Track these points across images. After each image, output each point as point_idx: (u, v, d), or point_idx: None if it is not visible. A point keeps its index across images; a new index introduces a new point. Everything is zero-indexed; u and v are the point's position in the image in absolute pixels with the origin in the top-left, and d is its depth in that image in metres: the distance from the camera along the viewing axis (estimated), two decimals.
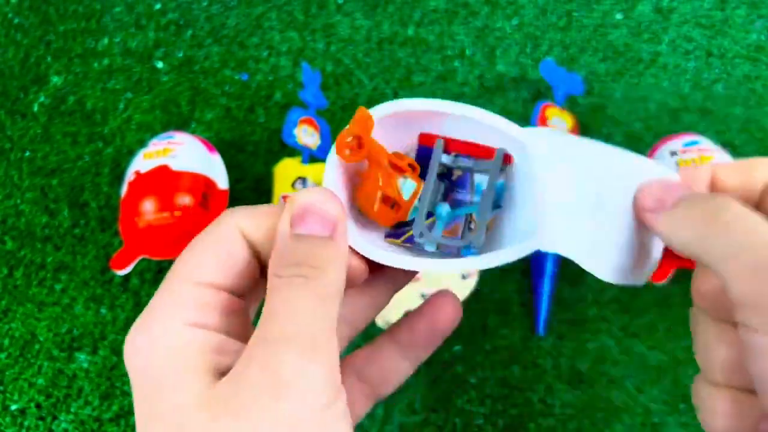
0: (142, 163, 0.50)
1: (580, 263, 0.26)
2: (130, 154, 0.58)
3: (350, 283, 0.23)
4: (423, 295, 0.45)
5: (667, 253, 0.51)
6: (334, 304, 0.20)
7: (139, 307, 0.51)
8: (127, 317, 0.51)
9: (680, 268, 0.49)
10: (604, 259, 0.26)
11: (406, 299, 0.46)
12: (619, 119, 0.56)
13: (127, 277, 0.52)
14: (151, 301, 0.21)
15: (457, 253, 0.28)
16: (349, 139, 0.27)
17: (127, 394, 0.48)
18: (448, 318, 0.27)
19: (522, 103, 0.57)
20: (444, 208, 0.29)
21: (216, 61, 0.62)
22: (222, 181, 0.51)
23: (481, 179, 0.29)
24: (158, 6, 0.65)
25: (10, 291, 0.53)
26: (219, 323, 0.21)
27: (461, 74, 0.59)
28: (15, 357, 0.51)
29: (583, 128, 0.56)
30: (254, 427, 0.18)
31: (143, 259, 0.53)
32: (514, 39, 0.61)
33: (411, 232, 0.29)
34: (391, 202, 0.28)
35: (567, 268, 0.50)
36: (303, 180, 0.51)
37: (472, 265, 0.27)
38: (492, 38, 0.61)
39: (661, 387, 0.46)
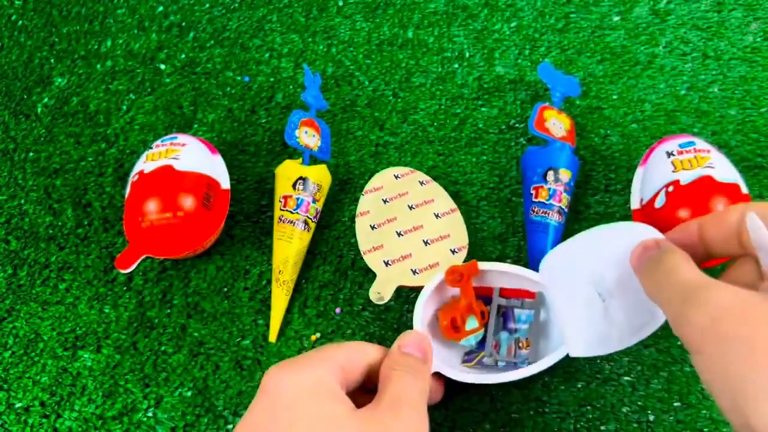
0: (146, 164, 0.51)
1: (599, 354, 0.40)
2: (133, 154, 0.58)
3: (431, 399, 0.37)
4: (413, 271, 0.46)
5: None
6: (426, 393, 0.35)
7: (142, 306, 0.52)
8: (130, 316, 0.52)
9: None
10: (612, 339, 0.39)
11: (399, 275, 0.47)
12: (616, 120, 0.57)
13: (130, 276, 0.53)
14: (306, 358, 0.33)
15: (515, 366, 0.44)
16: (458, 274, 0.45)
17: (131, 392, 0.49)
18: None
19: (520, 105, 0.58)
20: (504, 335, 0.46)
21: (218, 63, 0.62)
22: (224, 182, 0.52)
23: (519, 312, 0.46)
24: (161, 8, 0.66)
25: (14, 290, 0.54)
26: (347, 380, 0.35)
27: (460, 76, 0.60)
28: (19, 356, 0.51)
29: (580, 129, 0.56)
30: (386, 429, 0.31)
31: (146, 259, 0.53)
32: (512, 41, 0.61)
33: (480, 356, 0.45)
34: (455, 324, 0.44)
35: None
36: (304, 180, 0.51)
37: (527, 374, 0.42)
38: (490, 40, 0.61)
39: (656, 385, 0.46)
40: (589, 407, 0.46)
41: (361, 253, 0.49)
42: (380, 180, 0.52)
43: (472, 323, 0.45)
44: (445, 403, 0.47)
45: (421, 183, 0.51)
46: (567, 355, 0.42)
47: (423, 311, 0.44)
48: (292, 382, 0.30)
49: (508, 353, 0.45)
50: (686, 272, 0.30)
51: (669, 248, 0.32)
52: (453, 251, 0.48)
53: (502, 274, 0.45)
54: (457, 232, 0.49)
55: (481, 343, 0.46)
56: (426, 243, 0.48)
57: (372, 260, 0.48)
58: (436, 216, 0.49)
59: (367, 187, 0.51)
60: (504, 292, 0.47)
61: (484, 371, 0.44)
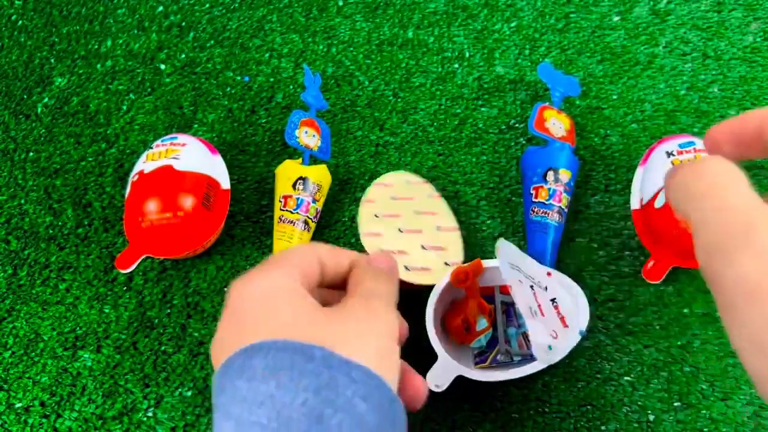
0: (146, 164, 0.51)
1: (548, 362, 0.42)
2: (133, 154, 0.58)
3: (400, 336, 0.33)
4: (406, 267, 0.47)
5: (663, 252, 0.52)
6: (396, 297, 0.33)
7: (142, 306, 0.52)
8: (130, 316, 0.52)
9: (675, 268, 0.49)
10: (555, 353, 0.41)
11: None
12: (615, 120, 0.57)
13: (130, 276, 0.53)
14: (263, 266, 0.30)
15: (530, 358, 0.45)
16: (463, 274, 0.45)
17: (131, 392, 0.49)
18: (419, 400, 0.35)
19: (520, 105, 0.58)
20: (512, 330, 0.47)
21: (218, 63, 0.62)
22: (224, 182, 0.52)
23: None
24: (161, 8, 0.66)
25: (14, 290, 0.54)
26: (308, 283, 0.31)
27: (460, 76, 0.60)
28: (19, 355, 0.51)
29: (580, 129, 0.56)
30: (354, 328, 0.28)
31: (146, 259, 0.53)
32: (512, 41, 0.61)
33: (493, 354, 0.46)
34: (466, 325, 0.45)
35: (565, 270, 0.51)
36: (304, 180, 0.51)
37: (539, 367, 0.43)
38: (490, 40, 0.61)
39: (656, 385, 0.46)
40: (589, 407, 0.46)
41: (360, 234, 0.49)
42: (393, 178, 0.52)
43: (482, 323, 0.45)
44: (445, 404, 0.47)
45: (430, 196, 0.52)
46: (576, 347, 0.44)
47: (433, 316, 0.45)
48: (253, 289, 0.29)
49: (520, 347, 0.46)
50: (737, 195, 0.22)
51: (715, 158, 0.25)
52: (446, 263, 0.48)
53: (496, 269, 0.46)
54: (455, 249, 0.49)
55: (491, 342, 0.46)
56: (423, 248, 0.48)
57: (369, 244, 0.48)
58: (438, 228, 0.50)
59: (379, 180, 0.52)
60: (503, 290, 0.48)
61: (506, 368, 0.44)
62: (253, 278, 0.29)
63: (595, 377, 0.47)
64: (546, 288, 0.42)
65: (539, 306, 0.42)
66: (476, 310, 0.46)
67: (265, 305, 0.28)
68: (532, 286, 0.42)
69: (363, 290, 0.31)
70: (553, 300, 0.41)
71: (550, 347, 0.41)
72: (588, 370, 0.47)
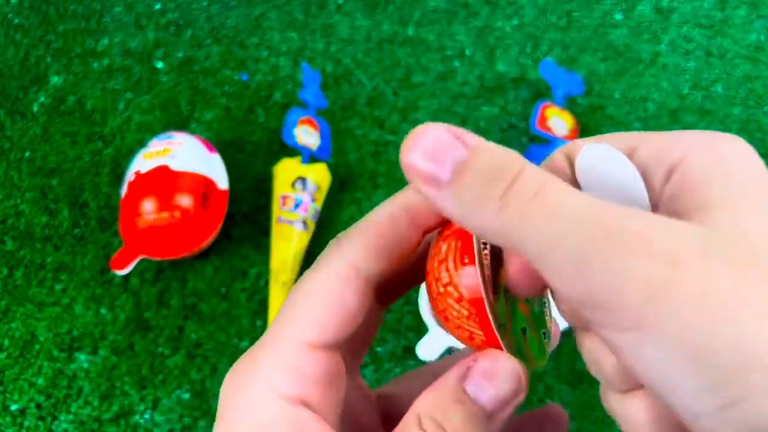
0: (143, 163, 0.50)
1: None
2: (130, 154, 0.57)
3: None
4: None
5: None
6: None
7: (139, 307, 0.51)
8: (126, 317, 0.51)
9: None
10: None
11: None
12: (618, 119, 0.56)
13: (127, 277, 0.52)
14: (250, 356, 0.19)
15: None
16: None
17: (127, 395, 0.48)
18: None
19: (522, 103, 0.57)
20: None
21: (216, 62, 0.62)
22: (222, 181, 0.51)
23: None
24: (158, 6, 0.65)
25: (10, 291, 0.53)
26: (317, 395, 0.18)
27: (461, 74, 0.59)
28: (15, 357, 0.51)
29: (583, 128, 0.56)
30: None
31: (143, 260, 0.53)
32: (514, 39, 0.61)
33: None
34: None
35: None
36: (303, 180, 0.51)
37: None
38: (492, 38, 0.61)
39: None
40: (593, 409, 0.46)
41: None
42: None
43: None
44: None
45: None
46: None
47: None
48: (237, 411, 0.18)
49: None
50: (571, 198, 0.15)
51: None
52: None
53: None
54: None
55: None
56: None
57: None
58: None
59: None
60: None
61: None
62: (244, 379, 0.19)
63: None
64: None
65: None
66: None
67: None
68: None
69: None
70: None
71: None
72: None
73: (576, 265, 0.15)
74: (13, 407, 0.49)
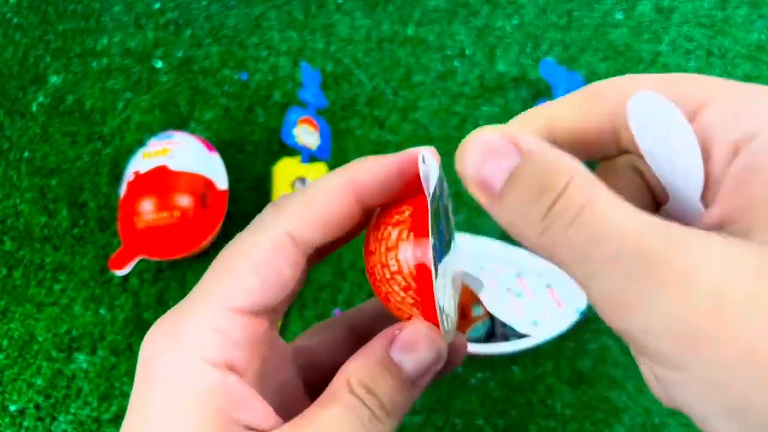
0: (142, 163, 0.50)
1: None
2: (129, 153, 0.57)
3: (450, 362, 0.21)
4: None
5: None
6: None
7: (138, 308, 0.51)
8: (126, 318, 0.51)
9: None
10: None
11: None
12: None
13: (126, 277, 0.52)
14: (177, 313, 0.19)
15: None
16: None
17: (126, 395, 0.48)
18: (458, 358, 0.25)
19: (522, 103, 0.57)
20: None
21: (215, 61, 0.61)
22: (221, 181, 0.51)
23: None
24: (157, 5, 0.65)
25: (9, 291, 0.53)
26: (242, 359, 0.18)
27: (461, 74, 0.59)
28: (14, 357, 0.50)
29: None
30: None
31: (142, 260, 0.52)
32: (514, 38, 0.60)
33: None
34: (462, 312, 0.44)
35: None
36: (302, 180, 0.51)
37: (530, 343, 0.44)
38: (492, 38, 0.61)
39: None
40: (593, 410, 0.46)
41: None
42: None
43: (478, 310, 0.45)
44: (446, 406, 0.46)
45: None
46: (580, 349, 0.43)
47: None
48: (161, 379, 0.18)
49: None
50: (612, 212, 0.14)
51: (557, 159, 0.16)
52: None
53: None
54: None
55: (491, 325, 0.47)
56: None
57: None
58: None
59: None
60: None
61: (504, 342, 0.45)
62: (170, 339, 0.18)
63: (600, 381, 0.46)
64: (540, 274, 0.43)
65: (527, 290, 0.42)
66: (471, 295, 0.46)
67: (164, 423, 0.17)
68: (519, 274, 0.42)
69: (333, 416, 0.17)
70: (548, 285, 0.41)
71: (535, 322, 0.41)
72: (593, 373, 0.47)
73: (615, 300, 0.14)
74: (12, 408, 0.49)
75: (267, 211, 0.20)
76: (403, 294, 0.19)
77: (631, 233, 0.14)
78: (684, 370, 0.14)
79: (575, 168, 0.15)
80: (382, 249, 0.19)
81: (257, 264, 0.19)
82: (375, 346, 0.18)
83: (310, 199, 0.19)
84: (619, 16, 0.61)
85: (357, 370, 0.18)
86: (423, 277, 0.18)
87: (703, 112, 0.15)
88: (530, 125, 0.18)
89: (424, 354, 0.18)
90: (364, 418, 0.17)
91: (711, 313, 0.13)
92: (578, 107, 0.17)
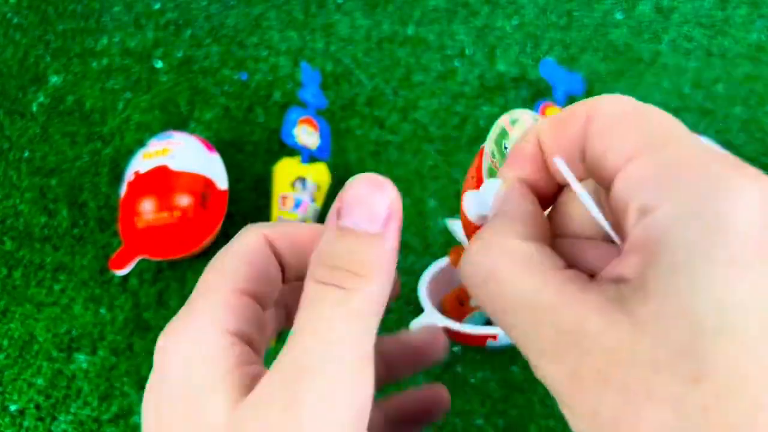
0: (142, 163, 0.50)
1: None
2: (129, 153, 0.57)
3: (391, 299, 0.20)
4: None
5: None
6: (371, 326, 0.17)
7: (138, 308, 0.51)
8: (126, 318, 0.51)
9: None
10: None
11: None
12: None
13: (126, 277, 0.52)
14: (187, 306, 0.20)
15: None
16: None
17: (126, 395, 0.48)
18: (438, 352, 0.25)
19: (522, 103, 0.57)
20: None
21: (215, 61, 0.62)
22: (221, 181, 0.51)
23: None
24: (157, 5, 0.65)
25: (8, 291, 0.53)
26: (251, 332, 0.19)
27: (461, 74, 0.59)
28: (14, 357, 0.50)
29: None
30: None
31: (142, 260, 0.52)
32: (514, 38, 0.60)
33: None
34: (461, 300, 0.44)
35: None
36: (302, 180, 0.51)
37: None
38: (492, 38, 0.61)
39: None
40: None
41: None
42: None
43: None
44: None
45: None
46: None
47: (427, 294, 0.45)
48: (175, 359, 0.19)
49: None
50: (520, 283, 0.16)
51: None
52: None
53: None
54: None
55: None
56: None
57: None
58: None
59: None
60: None
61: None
62: (178, 332, 0.19)
63: None
64: None
65: None
66: None
67: (173, 405, 0.18)
68: None
69: (301, 349, 0.17)
70: None
71: None
72: None
73: (532, 360, 0.16)
74: (12, 408, 0.49)
75: (244, 231, 0.22)
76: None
77: (534, 302, 0.16)
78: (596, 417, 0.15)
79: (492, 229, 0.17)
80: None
81: (248, 256, 0.21)
82: (326, 228, 0.19)
83: (283, 222, 0.22)
84: (619, 16, 0.61)
85: (315, 257, 0.18)
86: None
87: (622, 171, 0.16)
88: (524, 159, 0.19)
89: (374, 204, 0.18)
90: (335, 292, 0.17)
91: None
92: (551, 133, 0.18)
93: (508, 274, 0.16)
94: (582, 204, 0.18)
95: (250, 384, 0.18)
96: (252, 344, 0.19)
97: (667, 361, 0.13)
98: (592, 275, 0.16)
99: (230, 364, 0.18)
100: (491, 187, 0.18)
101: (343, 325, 0.17)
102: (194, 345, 0.18)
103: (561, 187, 0.19)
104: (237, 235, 0.22)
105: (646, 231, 0.15)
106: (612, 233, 0.17)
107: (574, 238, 0.18)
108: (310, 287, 0.18)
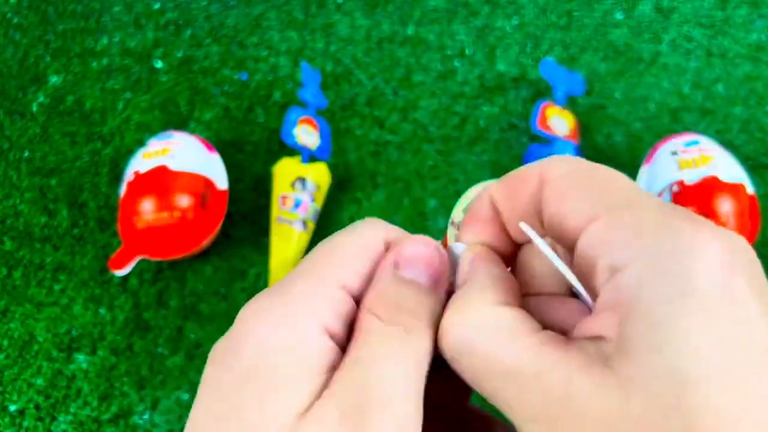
0: (142, 163, 0.50)
1: None
2: (129, 153, 0.57)
3: None
4: None
5: None
6: (425, 369, 0.18)
7: (138, 308, 0.51)
8: (125, 318, 0.51)
9: None
10: None
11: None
12: (619, 119, 0.56)
13: (126, 277, 0.52)
14: (288, 286, 0.19)
15: None
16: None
17: (126, 395, 0.48)
18: None
19: (522, 103, 0.57)
20: None
21: (215, 61, 0.61)
22: (221, 181, 0.51)
23: None
24: (157, 5, 0.65)
25: (8, 291, 0.53)
26: (345, 336, 0.19)
27: (461, 74, 0.59)
28: (14, 357, 0.50)
29: (584, 128, 0.56)
30: None
31: (142, 260, 0.52)
32: (514, 38, 0.60)
33: None
34: None
35: None
36: (302, 180, 0.51)
37: None
38: (492, 38, 0.61)
39: None
40: None
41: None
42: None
43: None
44: None
45: None
46: None
47: None
48: (265, 343, 0.18)
49: None
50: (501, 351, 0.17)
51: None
52: None
53: None
54: None
55: None
56: None
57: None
58: None
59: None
60: None
61: None
62: (274, 317, 0.18)
63: None
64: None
65: None
66: None
67: (252, 391, 0.17)
68: None
69: (357, 384, 0.17)
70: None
71: None
72: None
73: (518, 425, 0.16)
74: (12, 408, 0.49)
75: (367, 221, 0.21)
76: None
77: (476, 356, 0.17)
78: None
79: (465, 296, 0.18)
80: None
81: (363, 249, 0.20)
82: (383, 274, 0.19)
83: (397, 230, 0.21)
84: (619, 16, 0.61)
85: (377, 295, 0.19)
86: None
87: (585, 232, 0.17)
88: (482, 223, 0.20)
89: (431, 264, 0.19)
90: (399, 332, 0.18)
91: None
92: (505, 194, 0.19)
93: (488, 346, 0.16)
94: (541, 261, 0.18)
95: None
96: (343, 348, 0.19)
97: (659, 420, 0.14)
98: (563, 333, 0.17)
99: (321, 366, 0.18)
100: (456, 251, 0.20)
101: (408, 362, 0.18)
102: (290, 335, 0.18)
103: (519, 246, 0.20)
104: (358, 224, 0.20)
105: (618, 290, 0.15)
106: (584, 293, 0.17)
107: (539, 296, 0.19)
108: (369, 320, 0.18)
